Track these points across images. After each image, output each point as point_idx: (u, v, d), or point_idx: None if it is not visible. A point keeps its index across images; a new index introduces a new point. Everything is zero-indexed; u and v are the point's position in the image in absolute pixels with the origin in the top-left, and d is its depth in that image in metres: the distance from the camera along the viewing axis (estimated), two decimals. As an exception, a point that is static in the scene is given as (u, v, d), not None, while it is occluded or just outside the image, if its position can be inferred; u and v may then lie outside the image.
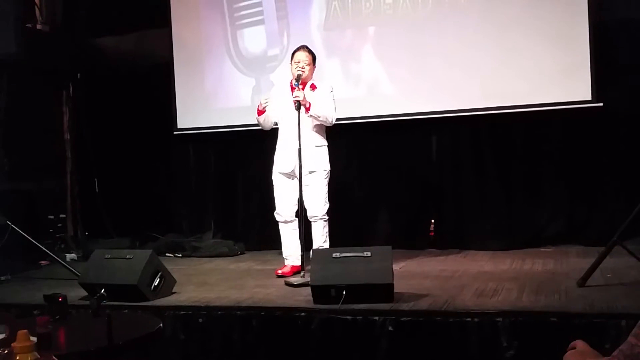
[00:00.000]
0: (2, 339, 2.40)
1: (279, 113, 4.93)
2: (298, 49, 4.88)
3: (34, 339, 1.60)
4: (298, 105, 4.55)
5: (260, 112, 4.89)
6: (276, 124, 5.01)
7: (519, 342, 3.28)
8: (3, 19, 5.79)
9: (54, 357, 1.59)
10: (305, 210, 4.73)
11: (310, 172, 4.77)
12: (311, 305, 3.76)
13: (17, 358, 1.55)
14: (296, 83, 4.65)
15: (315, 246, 4.77)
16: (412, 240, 5.94)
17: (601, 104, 5.43)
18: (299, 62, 4.79)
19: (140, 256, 4.25)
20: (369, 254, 3.85)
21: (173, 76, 6.72)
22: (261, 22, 6.50)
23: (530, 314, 3.37)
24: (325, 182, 4.87)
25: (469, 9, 5.80)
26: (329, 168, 4.89)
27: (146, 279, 4.11)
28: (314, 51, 4.95)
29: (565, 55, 5.54)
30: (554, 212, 5.78)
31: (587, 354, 1.63)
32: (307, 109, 4.64)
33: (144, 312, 3.74)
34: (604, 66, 5.44)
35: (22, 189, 6.22)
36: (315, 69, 4.94)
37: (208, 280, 4.84)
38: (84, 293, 4.23)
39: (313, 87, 4.85)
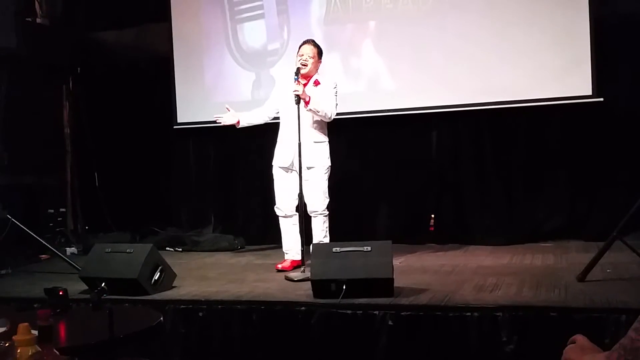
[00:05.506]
0: (3, 332, 2.40)
1: (280, 106, 4.93)
2: (304, 43, 4.88)
3: (34, 332, 1.60)
4: (297, 99, 4.54)
5: (237, 124, 4.99)
6: (277, 112, 5.01)
7: (518, 336, 3.29)
8: (3, 13, 5.78)
9: (54, 351, 1.59)
10: (305, 205, 4.73)
11: (309, 168, 4.76)
12: (311, 299, 3.76)
13: (18, 351, 1.55)
14: (295, 77, 4.64)
15: (315, 241, 4.77)
16: (412, 235, 5.94)
17: (601, 99, 5.43)
18: (302, 55, 4.79)
19: (141, 250, 4.25)
20: (369, 248, 3.85)
21: (173, 70, 6.72)
22: (261, 16, 6.48)
23: (530, 309, 3.38)
24: (325, 177, 4.86)
25: (470, 4, 5.79)
26: (329, 164, 4.88)
27: (146, 273, 4.11)
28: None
29: (565, 50, 5.53)
30: (554, 207, 5.79)
31: (586, 348, 1.63)
32: (307, 103, 4.63)
33: (144, 306, 3.74)
34: (605, 61, 5.44)
35: (22, 183, 6.22)
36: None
37: (208, 275, 4.85)
38: (85, 287, 4.24)
39: (317, 83, 4.84)
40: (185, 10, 6.72)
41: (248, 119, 5.07)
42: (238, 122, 5.01)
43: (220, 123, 5.09)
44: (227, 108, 5.04)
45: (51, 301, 2.93)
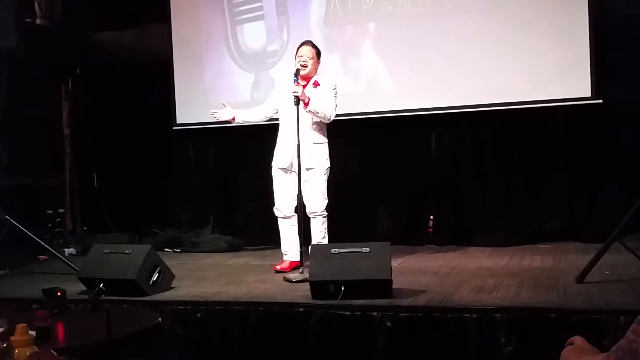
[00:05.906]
0: (1, 332, 2.40)
1: (280, 107, 4.93)
2: (302, 44, 4.88)
3: (32, 332, 1.60)
4: (297, 100, 4.54)
5: (232, 120, 5.05)
6: (276, 112, 5.01)
7: (517, 338, 3.28)
8: (3, 14, 5.78)
9: (52, 351, 1.59)
10: (304, 206, 4.73)
11: (308, 169, 4.76)
12: (310, 300, 3.76)
13: (16, 352, 1.55)
14: (295, 78, 4.64)
15: (314, 242, 4.77)
16: (411, 237, 5.94)
17: (601, 101, 5.43)
18: (301, 57, 4.79)
19: (139, 251, 4.25)
20: (367, 249, 3.85)
21: (172, 71, 6.72)
22: (261, 17, 6.49)
23: (529, 310, 3.38)
24: (325, 178, 4.86)
25: (469, 5, 5.80)
26: (329, 165, 4.88)
27: (145, 273, 4.11)
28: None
29: (565, 52, 5.54)
30: (553, 208, 5.79)
31: (585, 350, 1.63)
32: (306, 104, 4.63)
33: (142, 307, 3.73)
34: (604, 63, 5.44)
35: (21, 184, 6.22)
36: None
37: (207, 276, 4.85)
38: (83, 287, 4.24)
39: (316, 84, 4.84)
40: (185, 11, 6.72)
41: (244, 116, 5.10)
42: (233, 119, 5.04)
43: (215, 118, 5.11)
44: (223, 104, 5.07)
45: (49, 302, 2.93)
